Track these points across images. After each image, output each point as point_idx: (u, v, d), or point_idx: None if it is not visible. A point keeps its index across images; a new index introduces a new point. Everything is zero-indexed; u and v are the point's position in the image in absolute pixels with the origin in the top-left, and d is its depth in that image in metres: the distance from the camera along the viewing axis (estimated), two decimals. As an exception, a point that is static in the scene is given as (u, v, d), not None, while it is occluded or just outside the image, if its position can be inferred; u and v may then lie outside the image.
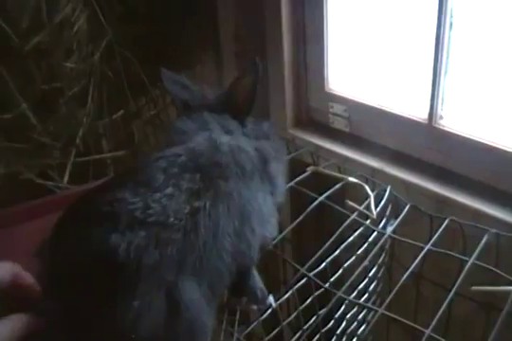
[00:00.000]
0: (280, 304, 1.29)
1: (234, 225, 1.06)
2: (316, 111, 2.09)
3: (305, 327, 1.32)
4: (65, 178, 2.00)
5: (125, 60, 2.09)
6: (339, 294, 1.26)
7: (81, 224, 0.97)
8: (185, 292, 0.96)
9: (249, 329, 1.22)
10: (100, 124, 2.17)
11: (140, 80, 2.16)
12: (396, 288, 1.22)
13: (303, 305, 1.32)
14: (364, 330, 1.58)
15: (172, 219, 0.97)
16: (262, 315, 1.26)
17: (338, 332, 1.47)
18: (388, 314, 1.18)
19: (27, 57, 1.76)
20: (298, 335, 1.33)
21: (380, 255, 1.51)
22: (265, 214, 1.17)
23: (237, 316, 1.26)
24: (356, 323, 1.54)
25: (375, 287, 1.56)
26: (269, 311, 1.27)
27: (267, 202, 1.20)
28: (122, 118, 2.24)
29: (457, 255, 1.30)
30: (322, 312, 1.30)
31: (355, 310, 1.49)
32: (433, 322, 1.13)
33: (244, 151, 1.17)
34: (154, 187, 1.00)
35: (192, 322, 0.97)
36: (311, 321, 1.32)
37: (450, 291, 1.21)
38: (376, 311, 1.20)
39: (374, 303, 1.58)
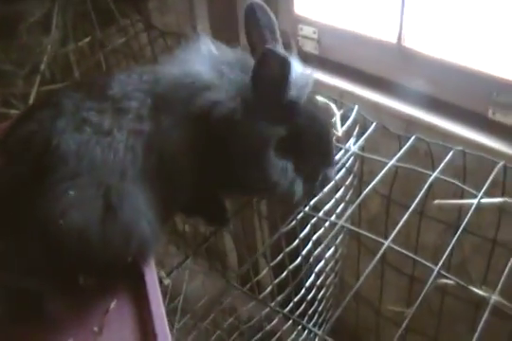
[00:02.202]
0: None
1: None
2: (285, 33, 2.04)
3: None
4: (30, 106, 1.96)
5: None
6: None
7: (32, 112, 1.04)
8: (125, 196, 0.98)
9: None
10: (65, 51, 2.11)
11: (108, 7, 2.11)
12: (359, 201, 1.21)
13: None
14: (333, 252, 1.58)
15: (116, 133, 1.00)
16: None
17: (304, 252, 1.46)
18: (350, 227, 1.18)
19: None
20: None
21: (348, 176, 1.49)
22: None
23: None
24: (323, 245, 1.54)
25: (344, 210, 1.55)
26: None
27: None
28: (90, 46, 2.18)
29: (421, 169, 1.29)
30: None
31: (321, 230, 1.47)
32: (393, 234, 1.13)
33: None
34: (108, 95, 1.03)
35: (128, 225, 0.98)
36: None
37: (415, 206, 1.20)
38: (342, 227, 1.20)
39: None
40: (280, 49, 1.15)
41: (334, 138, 1.33)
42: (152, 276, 1.06)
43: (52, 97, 1.07)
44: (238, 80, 1.07)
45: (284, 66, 1.01)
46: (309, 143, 1.15)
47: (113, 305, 1.04)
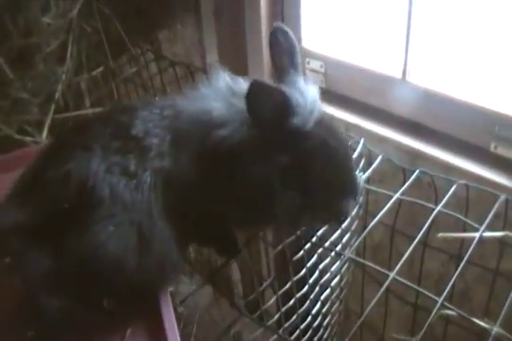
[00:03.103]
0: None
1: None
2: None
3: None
4: (44, 134, 2.01)
5: (104, 16, 2.09)
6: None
7: (63, 150, 1.10)
8: (155, 230, 1.06)
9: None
10: (79, 80, 2.16)
11: (120, 38, 2.17)
12: (364, 234, 1.25)
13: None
14: (339, 281, 1.62)
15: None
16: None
17: (311, 281, 1.50)
18: (355, 258, 1.21)
19: (2, 11, 1.76)
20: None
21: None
22: None
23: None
24: (329, 274, 1.57)
25: (349, 240, 1.59)
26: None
27: None
28: (102, 76, 2.23)
29: (425, 203, 1.32)
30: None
31: (327, 260, 1.51)
32: (397, 266, 1.16)
33: None
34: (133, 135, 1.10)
35: (162, 255, 1.07)
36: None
37: (420, 238, 1.24)
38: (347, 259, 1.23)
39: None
40: (296, 85, 1.15)
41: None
42: (167, 303, 1.11)
43: (81, 134, 1.13)
44: (244, 112, 1.09)
45: (275, 97, 1.04)
46: (317, 171, 1.12)
47: (129, 332, 1.08)
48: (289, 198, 1.12)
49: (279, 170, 1.10)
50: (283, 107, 1.05)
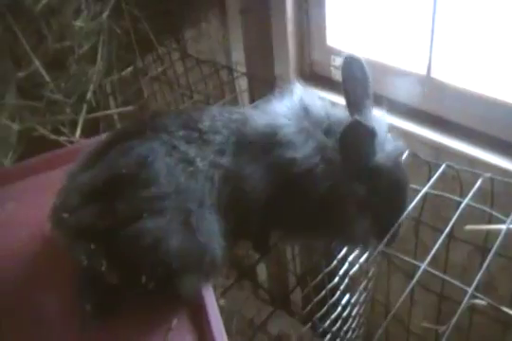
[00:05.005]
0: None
1: None
2: (318, 64, 2.15)
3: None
4: (77, 133, 2.07)
5: (133, 18, 2.15)
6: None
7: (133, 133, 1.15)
8: (203, 221, 1.09)
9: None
10: (110, 80, 2.23)
11: (148, 37, 2.22)
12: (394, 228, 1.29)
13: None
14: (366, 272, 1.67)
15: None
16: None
17: (341, 273, 1.55)
18: (385, 250, 1.26)
19: (38, 16, 1.82)
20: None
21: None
22: None
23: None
24: (357, 265, 1.62)
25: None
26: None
27: None
28: (131, 75, 2.29)
29: (452, 196, 1.37)
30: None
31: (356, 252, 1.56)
32: (429, 257, 1.21)
33: None
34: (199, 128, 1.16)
35: (204, 244, 1.09)
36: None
37: (447, 231, 1.29)
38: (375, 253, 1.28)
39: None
40: (369, 117, 1.22)
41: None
42: (210, 295, 1.15)
43: (154, 120, 1.20)
44: (320, 141, 1.16)
45: (369, 137, 1.10)
46: (384, 205, 1.22)
47: (175, 322, 1.12)
48: (362, 224, 1.22)
49: (355, 199, 1.17)
50: (372, 147, 1.13)
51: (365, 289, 1.77)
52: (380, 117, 1.24)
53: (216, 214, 1.12)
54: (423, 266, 1.19)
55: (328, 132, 1.17)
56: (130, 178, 1.07)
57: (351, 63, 1.25)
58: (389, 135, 1.22)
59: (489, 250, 1.25)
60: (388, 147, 1.18)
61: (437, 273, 1.19)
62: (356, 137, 1.09)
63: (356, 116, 1.10)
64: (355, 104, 1.23)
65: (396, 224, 1.27)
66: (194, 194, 1.10)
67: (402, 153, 1.32)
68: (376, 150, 1.15)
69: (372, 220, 1.22)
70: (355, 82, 1.24)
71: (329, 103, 1.25)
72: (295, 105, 1.22)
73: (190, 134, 1.14)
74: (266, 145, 1.16)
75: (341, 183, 1.16)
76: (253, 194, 1.14)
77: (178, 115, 1.22)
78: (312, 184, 1.15)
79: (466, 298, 1.14)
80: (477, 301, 1.15)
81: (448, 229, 1.30)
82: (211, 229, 1.10)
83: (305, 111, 1.21)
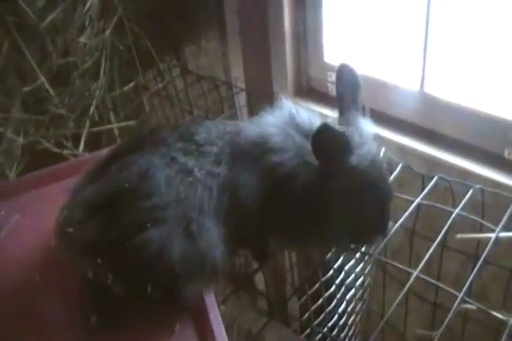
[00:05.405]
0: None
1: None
2: (315, 80, 2.20)
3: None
4: (81, 147, 2.12)
5: (135, 35, 2.21)
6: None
7: (135, 145, 1.21)
8: (203, 228, 1.14)
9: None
10: (111, 96, 2.28)
11: (149, 54, 2.27)
12: (388, 237, 1.34)
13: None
14: (362, 282, 1.71)
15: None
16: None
17: (337, 282, 1.59)
18: (380, 258, 1.30)
19: (43, 33, 1.88)
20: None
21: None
22: None
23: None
24: (353, 275, 1.66)
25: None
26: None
27: None
28: (132, 91, 2.35)
29: (444, 207, 1.41)
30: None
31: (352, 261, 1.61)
32: (420, 266, 1.25)
33: None
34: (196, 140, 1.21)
35: (205, 251, 1.13)
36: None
37: (439, 240, 1.34)
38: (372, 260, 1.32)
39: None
40: (352, 120, 1.26)
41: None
42: (211, 301, 1.18)
43: (152, 134, 1.25)
44: (300, 144, 1.21)
45: (339, 140, 1.14)
46: (362, 207, 1.23)
47: (177, 327, 1.15)
48: (338, 223, 1.24)
49: (332, 198, 1.20)
50: (345, 149, 1.16)
51: (361, 299, 1.81)
52: (364, 122, 1.27)
53: (216, 221, 1.16)
54: (415, 273, 1.23)
55: (308, 136, 1.19)
56: (132, 191, 1.11)
57: (344, 70, 1.31)
58: (369, 139, 1.25)
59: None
60: (365, 149, 1.21)
61: (429, 279, 1.23)
62: (325, 140, 1.13)
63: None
64: (342, 108, 1.29)
65: (378, 225, 1.30)
66: (194, 203, 1.14)
67: (378, 154, 1.33)
68: (353, 152, 1.18)
69: (348, 220, 1.25)
70: (345, 88, 1.29)
71: (316, 114, 1.30)
72: (283, 116, 1.28)
73: (187, 146, 1.19)
74: (258, 153, 1.21)
75: (317, 183, 1.19)
76: (248, 200, 1.19)
77: (176, 128, 1.27)
78: (293, 185, 1.19)
79: (457, 303, 1.18)
80: (467, 306, 1.19)
81: (439, 238, 1.34)
82: (212, 235, 1.14)
83: (292, 120, 1.26)
